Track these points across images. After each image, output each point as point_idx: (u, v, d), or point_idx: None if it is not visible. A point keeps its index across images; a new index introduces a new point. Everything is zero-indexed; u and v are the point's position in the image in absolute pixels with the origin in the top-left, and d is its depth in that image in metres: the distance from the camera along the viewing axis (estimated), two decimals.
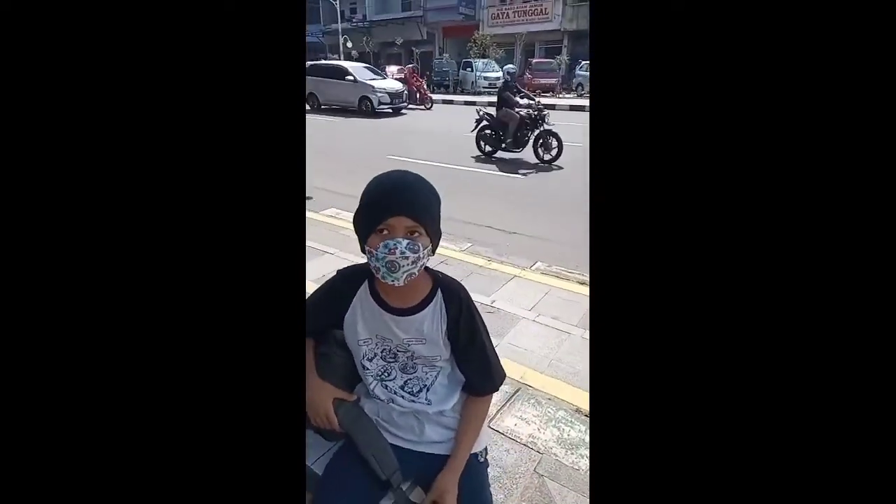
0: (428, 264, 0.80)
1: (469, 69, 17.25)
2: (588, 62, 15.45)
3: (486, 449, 0.90)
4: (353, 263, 0.91)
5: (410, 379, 0.84)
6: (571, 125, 9.41)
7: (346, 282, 0.86)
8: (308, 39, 26.12)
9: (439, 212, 0.78)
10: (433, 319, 0.81)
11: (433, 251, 0.78)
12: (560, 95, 15.41)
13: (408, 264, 0.73)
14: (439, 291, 0.82)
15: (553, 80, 16.06)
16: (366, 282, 0.84)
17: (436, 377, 0.84)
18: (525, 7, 19.49)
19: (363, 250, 0.77)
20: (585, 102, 12.98)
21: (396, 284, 0.74)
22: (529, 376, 1.87)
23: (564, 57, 17.93)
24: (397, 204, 0.72)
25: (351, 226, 0.80)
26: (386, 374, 0.85)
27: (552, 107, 12.85)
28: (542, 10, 19.02)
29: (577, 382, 1.81)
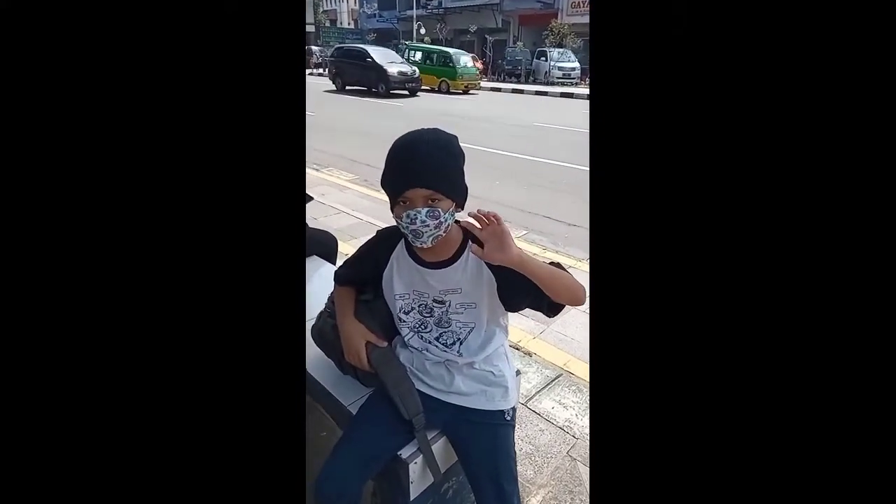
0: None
1: (543, 58, 16.77)
2: None
3: (514, 409, 0.92)
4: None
5: (445, 332, 0.88)
6: None
7: (385, 241, 0.91)
8: (383, 25, 26.69)
9: (460, 169, 0.80)
10: (466, 268, 0.84)
11: (461, 206, 0.81)
12: None
13: (430, 230, 0.77)
14: (469, 242, 0.85)
15: None
16: (402, 240, 0.89)
17: (469, 332, 0.87)
18: None
19: (392, 214, 0.81)
20: None
21: (425, 247, 0.79)
22: (573, 364, 1.85)
23: None
24: (412, 176, 0.75)
25: None
26: (422, 327, 0.89)
27: None
28: None
29: None
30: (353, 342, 0.89)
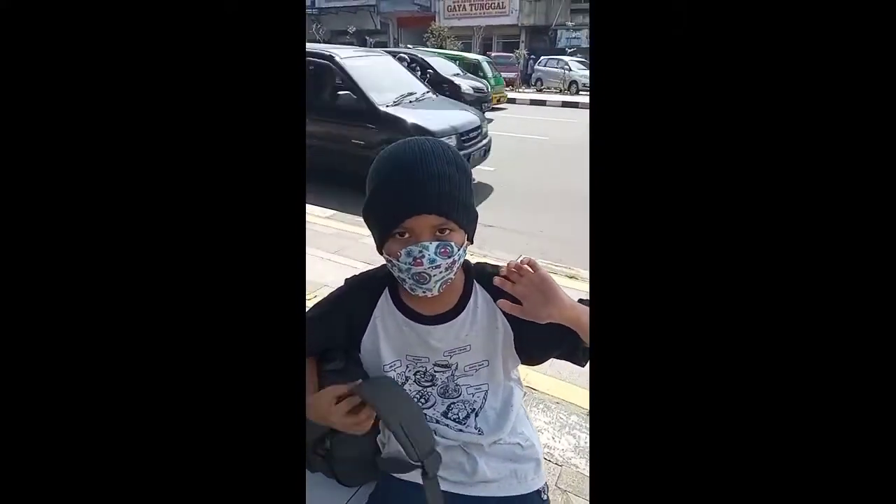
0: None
1: None
2: (547, 58, 15.69)
3: (546, 485, 0.75)
4: (363, 270, 0.73)
5: (454, 403, 0.68)
6: (535, 119, 9.47)
7: (358, 295, 0.68)
8: None
9: (471, 188, 0.61)
10: (476, 319, 0.66)
11: (471, 240, 0.62)
12: (520, 90, 15.48)
13: (441, 272, 0.57)
14: (475, 282, 0.67)
15: (512, 74, 16.10)
16: (385, 290, 0.67)
17: (484, 399, 0.68)
18: (482, 0, 19.45)
19: (380, 253, 0.60)
20: (545, 97, 13.07)
21: (429, 295, 0.59)
22: (532, 378, 1.75)
23: (523, 51, 18.06)
24: (418, 199, 0.55)
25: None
26: (423, 402, 0.68)
27: (513, 100, 12.91)
28: (499, 3, 19.03)
29: (582, 383, 1.71)
30: (323, 407, 0.62)
